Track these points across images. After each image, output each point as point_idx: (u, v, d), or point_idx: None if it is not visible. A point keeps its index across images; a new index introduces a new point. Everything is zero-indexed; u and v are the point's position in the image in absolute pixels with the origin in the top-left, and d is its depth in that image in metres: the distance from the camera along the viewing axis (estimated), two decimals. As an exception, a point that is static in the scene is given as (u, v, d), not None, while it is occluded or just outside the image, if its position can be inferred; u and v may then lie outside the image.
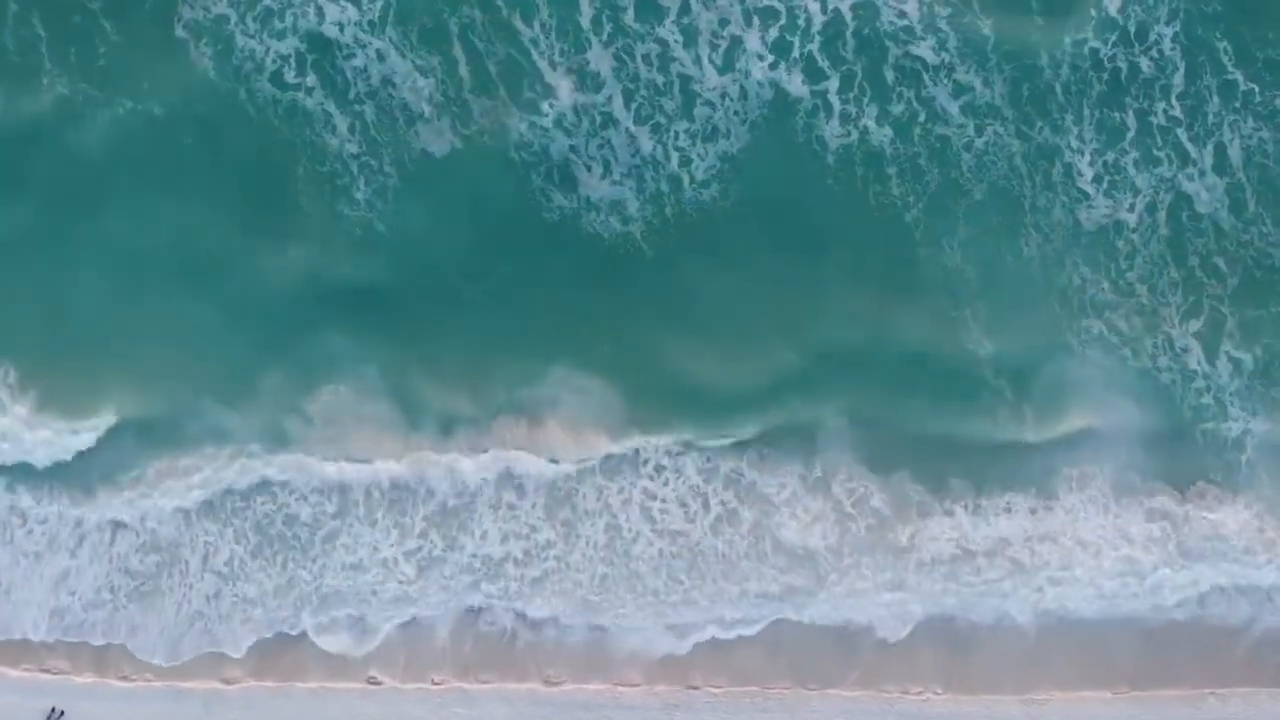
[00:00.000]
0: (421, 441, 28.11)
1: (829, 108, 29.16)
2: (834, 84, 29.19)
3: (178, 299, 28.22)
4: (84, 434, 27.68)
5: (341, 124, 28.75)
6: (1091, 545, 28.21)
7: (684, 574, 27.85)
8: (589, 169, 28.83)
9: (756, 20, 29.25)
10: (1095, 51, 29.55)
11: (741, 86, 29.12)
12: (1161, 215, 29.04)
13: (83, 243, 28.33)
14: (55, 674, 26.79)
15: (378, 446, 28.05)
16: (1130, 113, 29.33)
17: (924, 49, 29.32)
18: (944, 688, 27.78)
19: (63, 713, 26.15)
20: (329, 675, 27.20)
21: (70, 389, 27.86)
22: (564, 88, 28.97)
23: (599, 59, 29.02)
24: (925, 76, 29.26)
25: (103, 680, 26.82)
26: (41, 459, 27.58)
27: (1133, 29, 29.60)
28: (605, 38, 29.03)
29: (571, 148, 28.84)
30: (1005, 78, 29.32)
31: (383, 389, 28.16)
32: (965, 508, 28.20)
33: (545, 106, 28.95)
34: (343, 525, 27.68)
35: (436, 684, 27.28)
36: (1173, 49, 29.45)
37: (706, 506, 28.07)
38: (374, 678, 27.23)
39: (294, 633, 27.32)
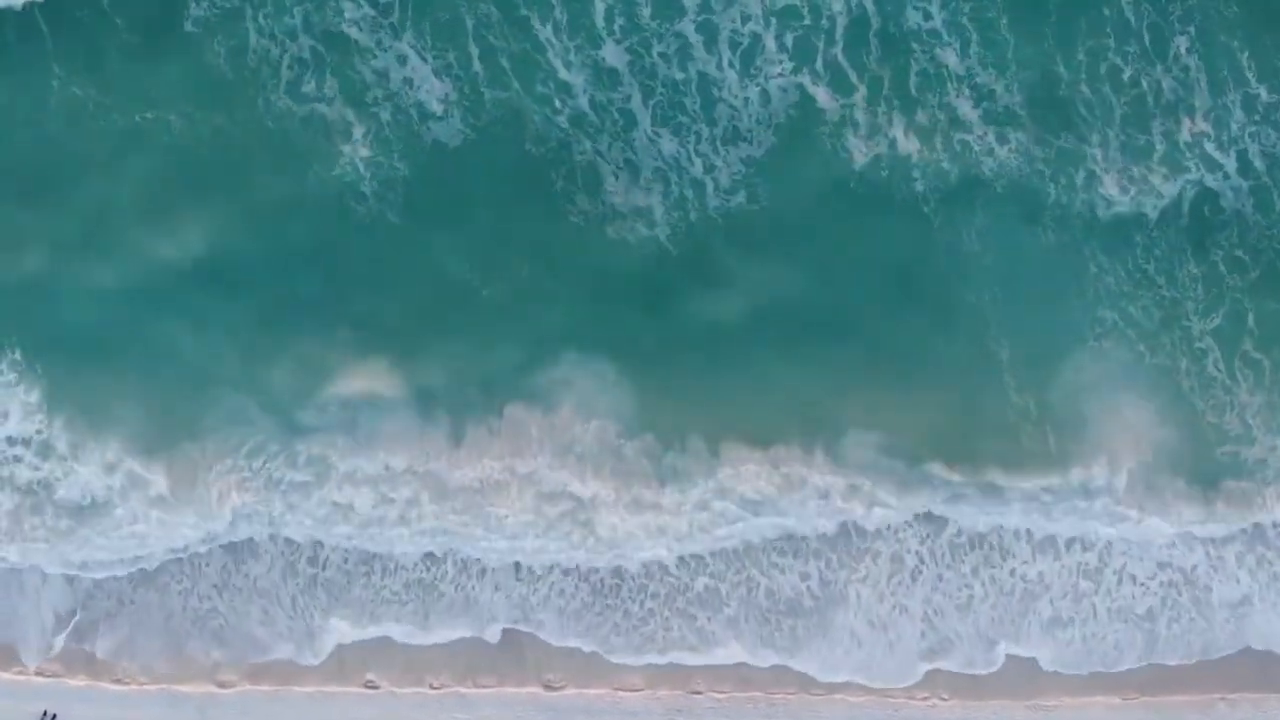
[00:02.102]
0: (435, 435, 27.40)
1: (855, 121, 28.29)
2: (862, 94, 28.29)
3: (187, 296, 27.60)
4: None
5: (355, 121, 27.99)
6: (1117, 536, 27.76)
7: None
8: (615, 177, 28.06)
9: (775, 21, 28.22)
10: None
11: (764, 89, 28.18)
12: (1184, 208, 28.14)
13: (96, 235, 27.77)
14: (48, 677, 26.68)
15: (389, 439, 27.47)
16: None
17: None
18: (950, 693, 27.61)
19: (55, 716, 26.09)
20: (326, 679, 27.07)
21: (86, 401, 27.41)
22: (579, 82, 28.11)
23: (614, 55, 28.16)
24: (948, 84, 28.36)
25: (96, 683, 26.67)
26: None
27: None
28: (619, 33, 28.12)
29: (595, 149, 28.02)
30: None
31: (391, 381, 27.56)
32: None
33: (558, 102, 28.02)
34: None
35: (435, 688, 27.13)
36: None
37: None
38: (371, 681, 27.09)
39: (316, 661, 27.22)
